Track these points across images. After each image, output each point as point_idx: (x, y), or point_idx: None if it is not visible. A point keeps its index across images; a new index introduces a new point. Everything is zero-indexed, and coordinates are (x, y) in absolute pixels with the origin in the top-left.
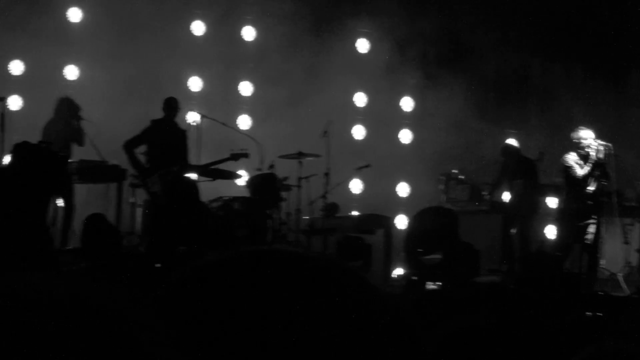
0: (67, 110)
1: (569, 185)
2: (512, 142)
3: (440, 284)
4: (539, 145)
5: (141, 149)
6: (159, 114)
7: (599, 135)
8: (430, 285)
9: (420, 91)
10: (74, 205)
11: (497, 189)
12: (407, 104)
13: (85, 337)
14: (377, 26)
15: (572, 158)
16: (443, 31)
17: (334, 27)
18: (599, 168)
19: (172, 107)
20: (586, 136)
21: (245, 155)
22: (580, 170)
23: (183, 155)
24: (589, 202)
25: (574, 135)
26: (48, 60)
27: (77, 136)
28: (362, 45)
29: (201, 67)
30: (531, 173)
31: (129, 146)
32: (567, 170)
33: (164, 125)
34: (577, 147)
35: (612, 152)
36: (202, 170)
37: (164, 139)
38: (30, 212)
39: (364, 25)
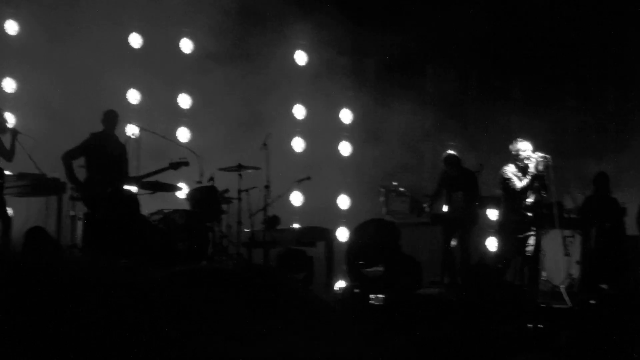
0: None
1: (508, 197)
2: (453, 152)
3: (383, 296)
4: (478, 157)
5: (80, 162)
6: (98, 126)
7: (538, 147)
8: (372, 298)
9: (359, 103)
10: (9, 216)
11: (436, 200)
12: (346, 116)
13: None
14: (315, 38)
15: (510, 170)
16: (383, 43)
17: (273, 38)
18: (538, 180)
19: (111, 119)
20: (524, 148)
21: (185, 164)
22: (519, 183)
23: (122, 168)
24: (529, 214)
25: (512, 147)
26: None
27: (3, 151)
28: (301, 57)
29: (140, 79)
30: (471, 185)
31: (67, 157)
32: (506, 182)
33: (103, 138)
34: (516, 159)
35: (551, 163)
36: (142, 181)
37: (103, 152)
38: None
39: (303, 37)
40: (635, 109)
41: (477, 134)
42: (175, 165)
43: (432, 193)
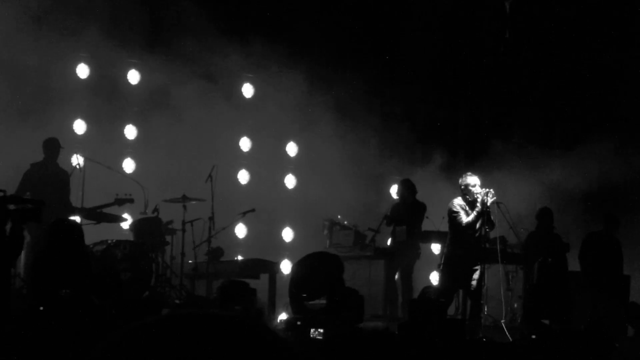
0: None
1: (454, 230)
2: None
3: (322, 330)
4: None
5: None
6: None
7: (484, 182)
8: (314, 332)
9: (305, 136)
10: None
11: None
12: (291, 149)
13: None
14: (262, 71)
15: (459, 203)
16: (331, 78)
17: (220, 71)
18: (483, 215)
19: (52, 148)
20: (474, 182)
21: (130, 201)
22: (465, 217)
23: (64, 197)
24: (473, 248)
25: (462, 180)
26: None
27: None
28: (247, 90)
29: (86, 109)
30: (417, 218)
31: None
32: (453, 215)
33: (44, 167)
34: (465, 192)
35: (495, 198)
36: (85, 212)
37: (45, 181)
38: None
39: (250, 70)
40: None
41: (422, 167)
42: (120, 202)
43: (385, 224)
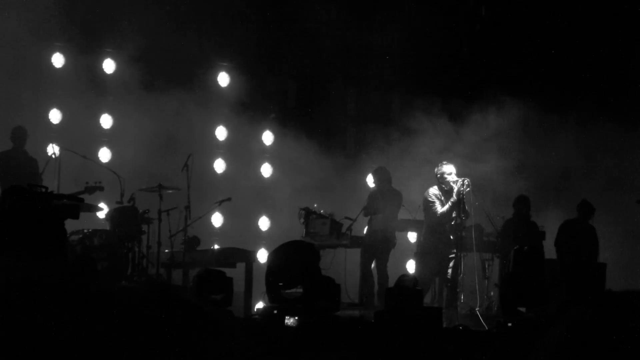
0: None
1: (430, 219)
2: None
3: (298, 318)
4: (400, 180)
5: None
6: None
7: (459, 171)
8: (289, 320)
9: (281, 125)
10: None
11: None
12: (267, 138)
13: None
14: (237, 59)
15: (434, 193)
16: (304, 65)
17: (195, 60)
18: (459, 204)
19: (20, 136)
20: (449, 171)
21: (100, 189)
22: (441, 207)
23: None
24: (449, 237)
25: (437, 169)
26: None
27: None
28: (223, 79)
29: (62, 99)
30: (393, 207)
31: None
32: (429, 204)
33: (12, 155)
34: (441, 181)
35: (470, 186)
36: None
37: (15, 169)
38: None
39: (225, 58)
40: None
41: (400, 156)
42: (90, 189)
43: (363, 215)
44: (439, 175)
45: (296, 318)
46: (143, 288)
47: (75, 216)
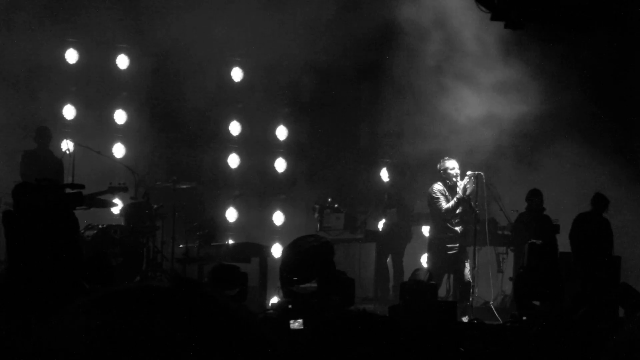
0: None
1: (435, 215)
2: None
3: (302, 321)
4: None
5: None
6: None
7: (467, 165)
8: (294, 323)
9: (295, 120)
10: None
11: (380, 214)
12: (281, 132)
13: None
14: (251, 54)
15: (438, 189)
16: (315, 60)
17: (206, 54)
18: (464, 203)
19: (44, 136)
20: (452, 166)
21: (124, 189)
22: (445, 204)
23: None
24: (457, 229)
25: (440, 165)
26: None
27: None
28: (237, 74)
29: (76, 95)
30: (409, 201)
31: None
32: (434, 201)
33: (37, 155)
34: (444, 177)
35: (484, 180)
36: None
37: (39, 169)
38: None
39: (238, 53)
40: None
41: (413, 150)
42: (114, 190)
43: (379, 208)
44: (442, 171)
45: (301, 321)
46: (168, 285)
47: (80, 203)
